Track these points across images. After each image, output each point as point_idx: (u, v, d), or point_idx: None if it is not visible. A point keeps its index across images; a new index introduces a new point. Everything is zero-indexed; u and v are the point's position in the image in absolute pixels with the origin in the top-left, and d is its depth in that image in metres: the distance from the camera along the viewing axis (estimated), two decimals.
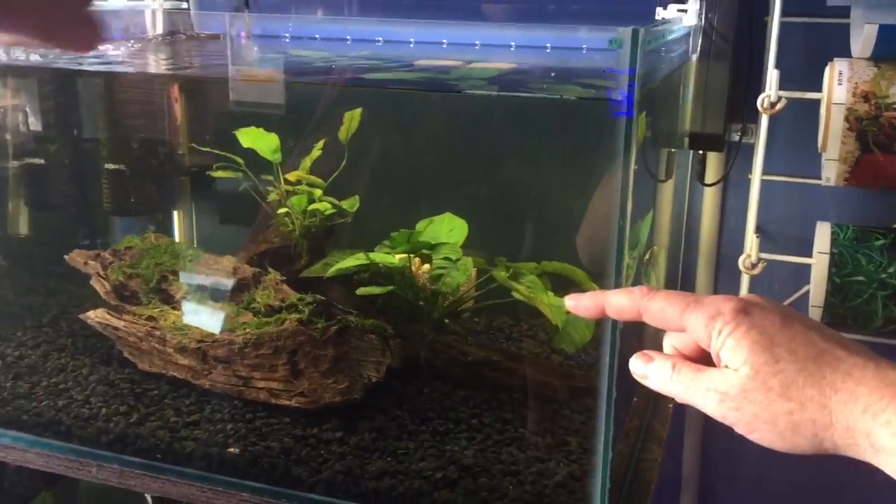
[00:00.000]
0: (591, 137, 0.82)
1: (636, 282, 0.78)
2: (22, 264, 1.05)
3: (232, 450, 0.77)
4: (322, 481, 0.74)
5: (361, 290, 0.85)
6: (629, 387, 0.67)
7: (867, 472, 0.45)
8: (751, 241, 0.99)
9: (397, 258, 0.88)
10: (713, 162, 1.08)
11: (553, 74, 0.83)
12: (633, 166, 0.61)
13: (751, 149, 1.02)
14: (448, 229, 0.90)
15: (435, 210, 0.92)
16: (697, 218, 1.12)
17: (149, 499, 1.20)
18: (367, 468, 0.74)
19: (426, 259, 0.89)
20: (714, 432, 1.18)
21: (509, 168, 0.96)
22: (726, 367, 0.45)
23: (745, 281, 1.01)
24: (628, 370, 0.51)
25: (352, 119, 0.93)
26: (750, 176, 1.00)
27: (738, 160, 1.04)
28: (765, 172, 1.03)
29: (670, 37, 0.85)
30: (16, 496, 1.09)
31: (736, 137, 1.05)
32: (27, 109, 1.01)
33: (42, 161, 1.01)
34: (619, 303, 0.49)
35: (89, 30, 0.38)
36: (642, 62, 0.61)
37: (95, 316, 0.92)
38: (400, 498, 0.71)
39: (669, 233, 1.10)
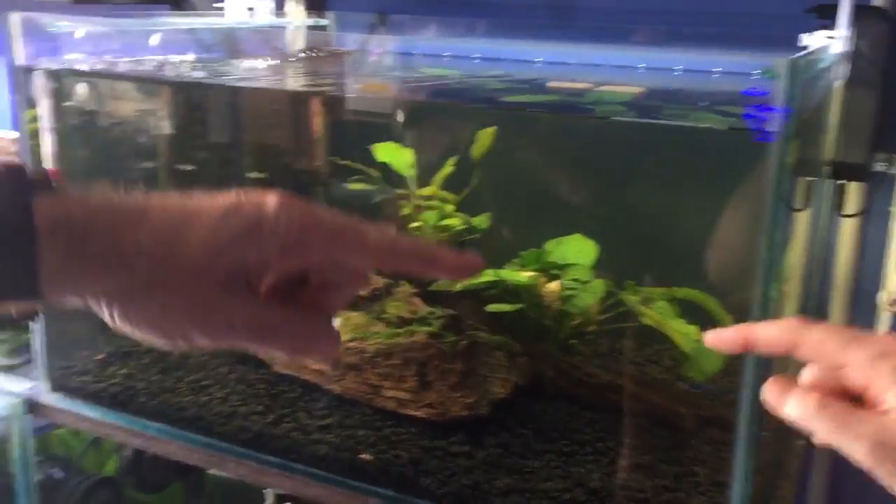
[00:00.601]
0: (732, 165, 0.81)
1: (775, 316, 0.76)
2: None
3: (365, 456, 0.79)
4: (450, 494, 0.76)
5: (491, 307, 0.87)
6: (760, 421, 0.66)
7: None
8: (892, 276, 0.96)
9: (526, 276, 0.89)
10: (853, 192, 1.05)
11: (699, 102, 0.82)
12: (782, 197, 0.60)
13: (893, 180, 0.99)
14: (577, 250, 0.90)
15: (564, 231, 0.93)
16: (834, 250, 1.09)
17: (268, 496, 1.25)
18: (495, 484, 0.75)
19: (553, 279, 0.90)
20: (844, 471, 1.14)
21: (641, 193, 0.95)
22: (888, 411, 0.43)
23: (884, 318, 0.97)
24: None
25: (484, 138, 0.94)
26: (891, 208, 0.97)
27: (879, 191, 1.01)
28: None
29: (820, 65, 0.84)
30: (151, 484, 1.16)
31: (880, 167, 1.01)
32: (182, 120, 1.08)
33: (192, 167, 1.07)
34: (770, 335, 0.48)
35: (331, 340, 0.43)
36: (797, 93, 0.60)
37: None
38: None
39: (804, 265, 1.07)
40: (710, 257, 0.88)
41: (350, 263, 0.43)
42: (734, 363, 0.79)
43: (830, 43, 0.88)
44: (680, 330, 0.83)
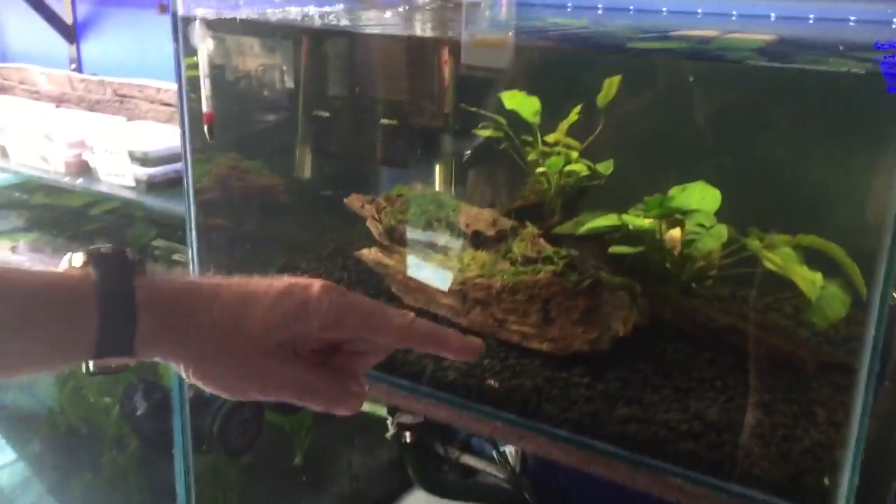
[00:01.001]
0: (863, 113, 0.81)
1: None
2: (304, 204, 1.19)
3: (491, 382, 0.85)
4: (570, 420, 0.80)
5: (614, 248, 0.90)
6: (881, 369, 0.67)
7: None
8: None
9: (647, 222, 0.92)
10: None
11: (832, 50, 0.82)
12: None
13: None
14: (700, 197, 0.92)
15: (687, 179, 0.95)
16: None
17: (391, 425, 1.34)
18: (613, 413, 0.79)
19: (676, 224, 0.92)
20: None
21: (768, 140, 0.96)
22: None
23: None
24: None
25: (610, 86, 0.97)
26: None
27: None
28: None
29: None
30: (287, 406, 1.26)
31: None
32: (320, 67, 1.14)
33: (327, 114, 1.14)
34: None
35: (356, 400, 0.54)
36: None
37: (370, 254, 1.03)
38: (644, 443, 0.76)
39: None
40: (841, 206, 0.88)
41: (376, 340, 0.54)
42: (856, 312, 0.80)
43: None
44: (804, 276, 0.84)
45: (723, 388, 0.82)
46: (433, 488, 1.43)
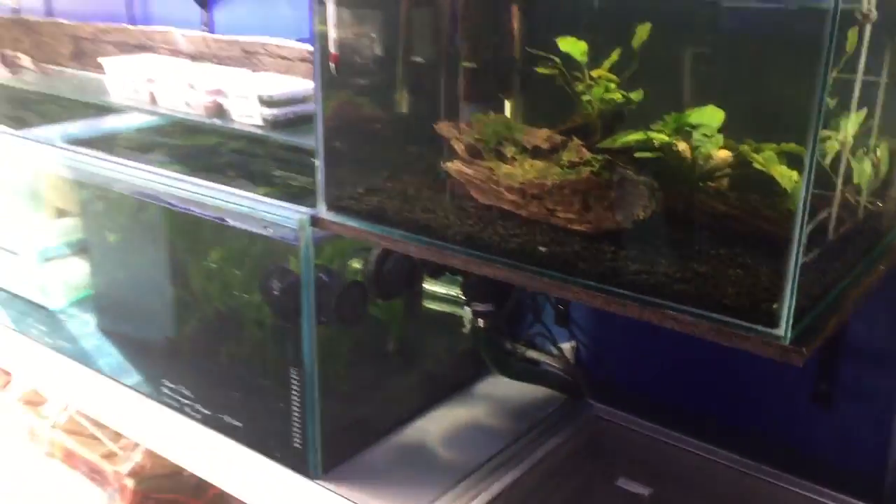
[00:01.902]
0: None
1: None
2: (403, 132, 1.51)
3: (542, 249, 1.15)
4: (598, 273, 1.10)
5: (638, 154, 1.18)
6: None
7: None
8: None
9: (665, 136, 1.20)
10: None
11: None
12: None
13: None
14: (709, 116, 1.19)
15: (702, 102, 1.21)
16: None
17: (465, 318, 1.64)
18: (630, 269, 1.09)
19: (688, 136, 1.19)
20: None
21: (758, 69, 1.22)
22: None
23: None
24: None
25: (642, 31, 1.24)
26: None
27: None
28: None
29: None
30: (385, 292, 1.59)
31: None
32: (412, 21, 1.45)
33: (421, 59, 1.44)
34: None
35: None
36: None
37: (453, 166, 1.34)
38: (650, 286, 1.06)
39: None
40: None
41: None
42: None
43: None
44: (782, 172, 1.11)
45: (716, 255, 1.10)
46: (503, 369, 1.75)
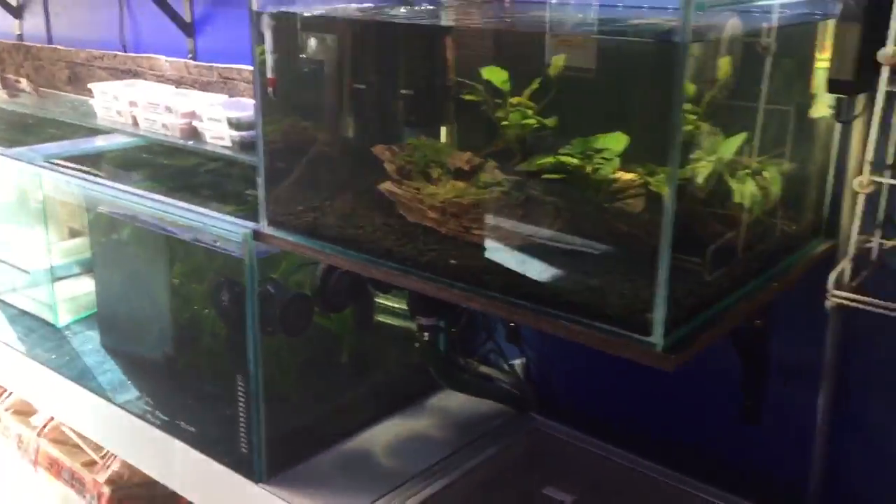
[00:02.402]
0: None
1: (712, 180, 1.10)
2: (341, 153, 1.60)
3: (452, 261, 1.24)
4: (500, 285, 1.18)
5: (545, 176, 1.27)
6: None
7: None
8: (865, 167, 1.25)
9: (574, 160, 1.28)
10: (860, 104, 1.33)
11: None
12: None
13: (892, 95, 1.26)
14: (614, 141, 1.27)
15: (609, 129, 1.30)
16: (847, 152, 1.38)
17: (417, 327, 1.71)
18: (528, 280, 1.17)
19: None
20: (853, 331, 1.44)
21: (660, 98, 1.30)
22: None
23: (859, 199, 1.27)
24: None
25: (557, 62, 1.33)
26: (892, 120, 1.25)
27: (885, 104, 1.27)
28: None
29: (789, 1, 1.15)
30: (332, 305, 1.67)
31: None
32: (355, 50, 1.55)
33: (362, 86, 1.54)
34: None
35: None
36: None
37: (385, 186, 1.43)
38: (546, 298, 1.14)
39: (818, 160, 1.37)
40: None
41: None
42: None
43: None
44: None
45: (609, 270, 1.18)
46: (449, 382, 1.82)
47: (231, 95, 2.26)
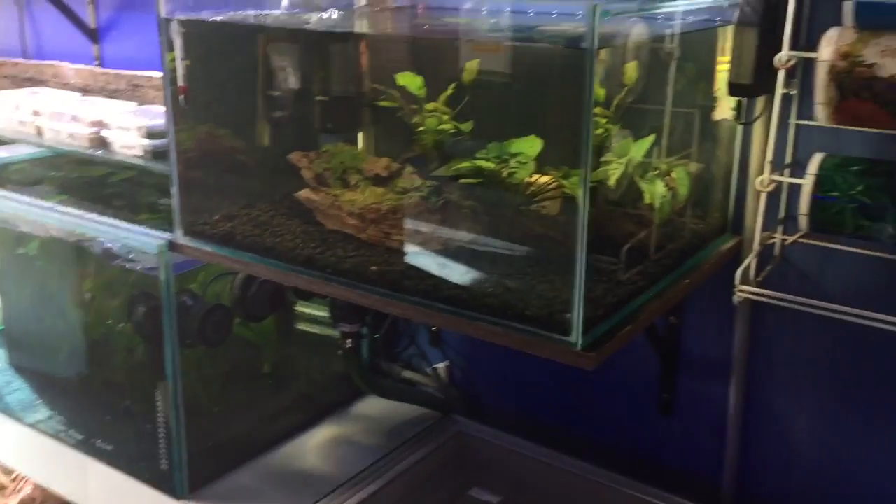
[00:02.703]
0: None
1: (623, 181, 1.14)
2: (257, 161, 1.58)
3: (373, 268, 1.24)
4: (420, 290, 1.19)
5: (462, 180, 1.28)
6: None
7: None
8: (766, 166, 1.30)
9: (489, 164, 1.30)
10: (761, 106, 1.39)
11: None
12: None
13: (788, 97, 1.33)
14: (528, 145, 1.29)
15: (524, 133, 1.32)
16: (749, 152, 1.44)
17: (338, 335, 1.70)
18: (448, 284, 1.18)
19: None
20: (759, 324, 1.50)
21: (571, 103, 1.33)
22: None
23: (762, 197, 1.32)
24: None
25: (471, 67, 1.35)
26: (776, 119, 1.31)
27: (782, 106, 1.33)
28: (799, 117, 1.34)
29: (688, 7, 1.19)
30: (253, 315, 1.65)
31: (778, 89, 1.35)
32: (268, 58, 1.53)
33: (277, 93, 1.53)
34: None
35: None
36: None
37: (302, 194, 1.42)
38: (466, 301, 1.15)
39: (722, 160, 1.42)
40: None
41: None
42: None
43: None
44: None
45: (527, 270, 1.20)
46: (373, 389, 1.82)
47: (141, 103, 2.20)
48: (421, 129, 1.38)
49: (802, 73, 1.32)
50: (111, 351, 1.79)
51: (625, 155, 1.13)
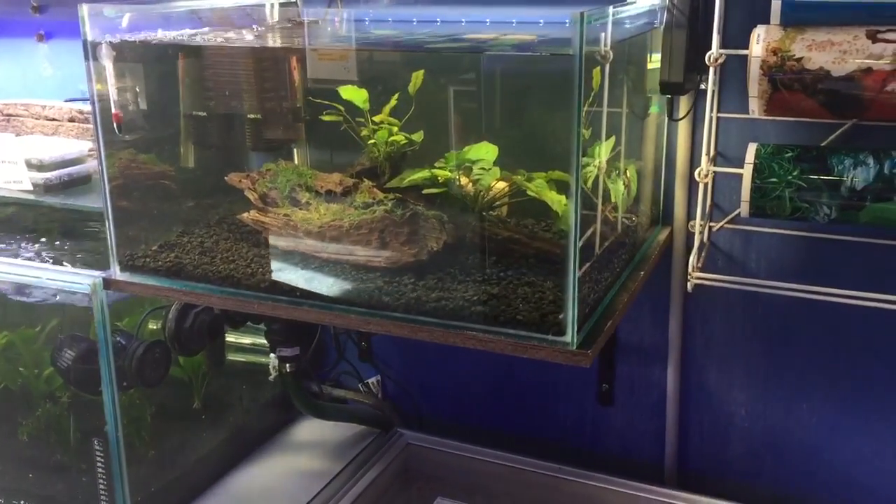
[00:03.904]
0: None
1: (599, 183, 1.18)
2: (192, 186, 1.51)
3: (347, 287, 1.21)
4: (402, 305, 1.17)
5: (426, 191, 1.28)
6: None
7: None
8: (703, 158, 1.38)
9: (447, 172, 1.30)
10: (685, 103, 1.47)
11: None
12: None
13: (704, 93, 1.41)
14: (484, 151, 1.30)
15: (475, 140, 1.33)
16: (675, 146, 1.52)
17: (271, 367, 1.65)
18: (430, 296, 1.17)
19: (469, 171, 1.31)
20: (692, 307, 1.58)
21: (522, 108, 1.36)
22: None
23: (700, 188, 1.40)
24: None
25: (416, 78, 1.34)
26: (710, 114, 1.39)
27: (703, 102, 1.42)
28: (720, 111, 1.43)
29: (635, 12, 1.25)
30: (187, 348, 1.56)
31: (703, 86, 1.43)
32: (193, 78, 1.46)
33: (204, 113, 1.46)
34: None
35: None
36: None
37: (249, 216, 1.36)
38: (450, 311, 1.14)
39: (654, 156, 1.49)
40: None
41: None
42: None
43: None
44: (553, 197, 1.24)
45: (505, 277, 1.21)
46: (314, 412, 1.77)
47: (18, 134, 2.03)
48: (371, 141, 1.36)
49: (720, 70, 1.41)
50: (31, 401, 1.64)
51: (596, 157, 1.16)
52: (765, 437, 1.63)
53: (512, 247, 1.27)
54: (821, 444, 1.58)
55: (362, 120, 1.37)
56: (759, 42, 1.26)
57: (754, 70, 1.26)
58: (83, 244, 1.65)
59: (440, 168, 1.31)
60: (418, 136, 1.36)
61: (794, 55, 1.23)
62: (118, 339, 1.45)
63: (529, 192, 1.25)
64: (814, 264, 1.47)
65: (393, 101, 1.37)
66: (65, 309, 1.43)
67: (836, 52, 1.21)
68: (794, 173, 1.28)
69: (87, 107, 1.93)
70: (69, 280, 1.39)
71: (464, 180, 1.31)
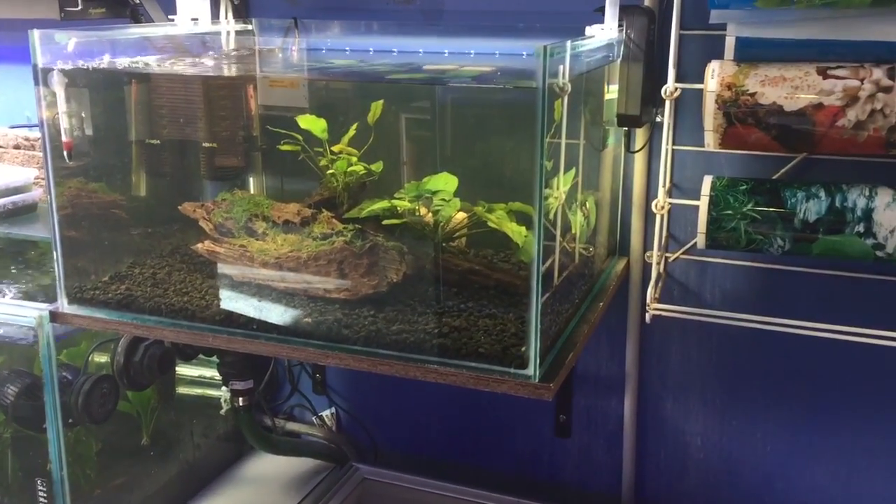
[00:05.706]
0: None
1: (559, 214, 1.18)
2: (144, 216, 1.47)
3: (306, 319, 1.18)
4: (361, 338, 1.15)
5: (386, 222, 1.26)
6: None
7: None
8: (661, 190, 1.40)
9: (407, 203, 1.29)
10: (641, 136, 1.49)
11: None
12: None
13: (661, 126, 1.43)
14: (444, 182, 1.30)
15: (434, 170, 1.33)
16: (632, 178, 1.53)
17: (223, 402, 1.61)
18: (390, 329, 1.15)
19: (428, 203, 1.30)
20: (649, 338, 1.59)
21: (484, 139, 1.36)
22: None
23: (657, 219, 1.41)
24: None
25: (376, 108, 1.34)
26: (666, 146, 1.40)
27: (658, 134, 1.44)
28: (675, 144, 1.45)
29: (592, 46, 1.26)
30: (137, 383, 1.51)
31: (659, 119, 1.45)
32: (145, 105, 1.43)
33: (157, 141, 1.42)
34: None
35: None
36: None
37: (204, 246, 1.33)
38: (411, 344, 1.13)
39: (610, 187, 1.50)
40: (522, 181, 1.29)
41: None
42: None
43: (601, 32, 1.31)
44: (513, 229, 1.24)
45: (465, 308, 1.20)
46: (267, 446, 1.73)
47: None
48: (330, 171, 1.35)
49: (676, 103, 1.44)
50: None
51: (557, 188, 1.16)
52: (720, 467, 1.64)
53: (472, 278, 1.26)
54: (775, 473, 1.60)
55: (321, 150, 1.36)
56: (714, 77, 1.28)
57: (709, 104, 1.28)
58: (28, 275, 1.60)
59: (400, 199, 1.30)
60: (377, 167, 1.35)
61: (748, 90, 1.26)
62: (64, 373, 1.40)
63: (490, 224, 1.25)
64: (768, 295, 1.49)
65: (351, 132, 1.36)
66: (7, 343, 1.38)
67: (788, 87, 1.23)
68: (749, 205, 1.30)
69: (33, 133, 1.88)
70: (13, 313, 1.34)
71: (423, 211, 1.30)
